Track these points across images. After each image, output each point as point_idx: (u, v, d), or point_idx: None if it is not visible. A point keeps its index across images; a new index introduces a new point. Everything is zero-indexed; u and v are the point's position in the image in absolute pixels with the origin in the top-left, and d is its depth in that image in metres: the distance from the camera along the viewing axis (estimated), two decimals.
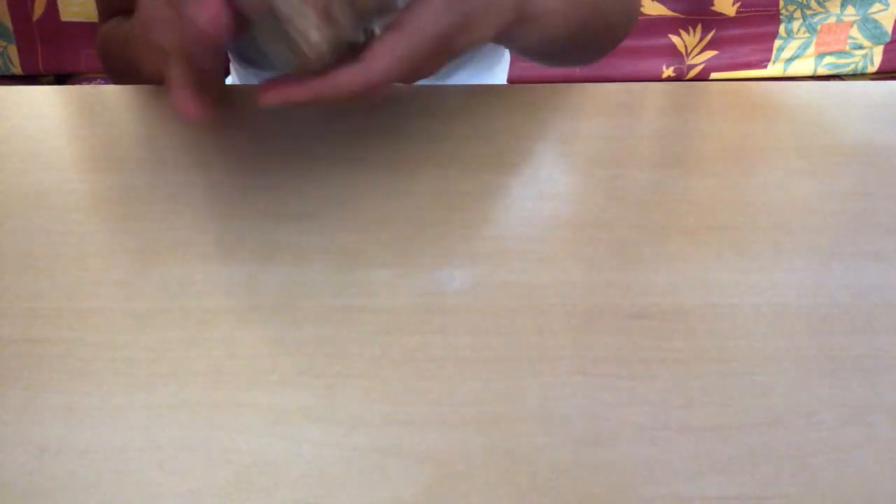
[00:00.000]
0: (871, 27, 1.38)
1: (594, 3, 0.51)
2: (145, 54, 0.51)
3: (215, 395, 0.33)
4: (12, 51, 1.33)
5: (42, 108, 0.53)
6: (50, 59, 1.34)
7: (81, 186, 0.45)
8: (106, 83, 1.33)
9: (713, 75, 1.39)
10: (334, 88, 0.38)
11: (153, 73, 0.52)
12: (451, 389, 0.33)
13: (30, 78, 1.35)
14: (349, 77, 0.38)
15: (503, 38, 0.46)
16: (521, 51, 0.53)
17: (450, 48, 0.40)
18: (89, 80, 1.35)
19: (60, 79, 1.38)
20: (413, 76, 0.40)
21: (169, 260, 0.40)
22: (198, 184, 0.45)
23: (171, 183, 0.45)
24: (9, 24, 1.31)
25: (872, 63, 1.41)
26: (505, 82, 0.78)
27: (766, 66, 1.39)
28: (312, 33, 0.37)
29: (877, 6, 1.35)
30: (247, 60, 0.73)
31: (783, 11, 1.35)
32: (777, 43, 1.38)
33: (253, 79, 0.74)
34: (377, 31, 0.40)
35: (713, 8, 1.34)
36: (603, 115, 0.52)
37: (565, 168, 0.47)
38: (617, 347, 0.35)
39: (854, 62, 1.40)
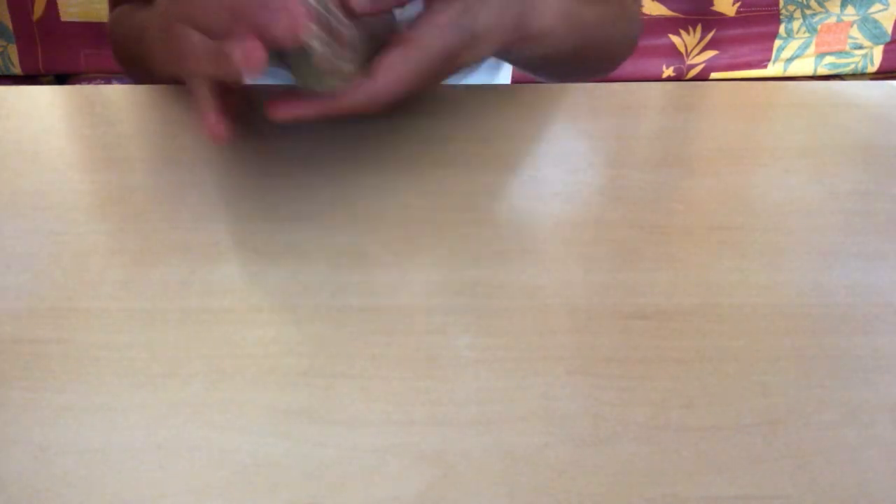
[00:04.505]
0: (871, 27, 1.38)
1: (594, 26, 0.53)
2: (162, 59, 0.50)
3: (215, 395, 0.33)
4: (12, 51, 1.33)
5: (42, 108, 0.53)
6: (50, 59, 1.34)
7: (81, 186, 0.45)
8: (106, 83, 1.33)
9: (713, 75, 1.39)
10: (343, 104, 0.40)
11: (166, 76, 0.52)
12: (451, 389, 0.33)
13: (30, 78, 1.35)
14: (358, 93, 0.40)
15: (503, 54, 0.48)
16: (520, 66, 0.55)
17: (453, 64, 0.42)
18: (89, 80, 1.35)
19: (60, 79, 1.38)
20: (418, 90, 0.41)
21: (169, 260, 0.40)
22: (198, 184, 0.45)
23: (171, 183, 0.45)
24: (9, 24, 1.31)
25: (872, 63, 1.41)
26: (509, 82, 0.78)
27: (766, 66, 1.39)
28: (345, 66, 0.39)
29: (877, 6, 1.35)
30: None
31: (783, 11, 1.35)
32: (777, 43, 1.38)
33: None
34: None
35: (713, 8, 1.34)
36: (603, 115, 0.52)
37: (565, 168, 0.47)
38: (617, 347, 0.35)
39: (854, 62, 1.40)
